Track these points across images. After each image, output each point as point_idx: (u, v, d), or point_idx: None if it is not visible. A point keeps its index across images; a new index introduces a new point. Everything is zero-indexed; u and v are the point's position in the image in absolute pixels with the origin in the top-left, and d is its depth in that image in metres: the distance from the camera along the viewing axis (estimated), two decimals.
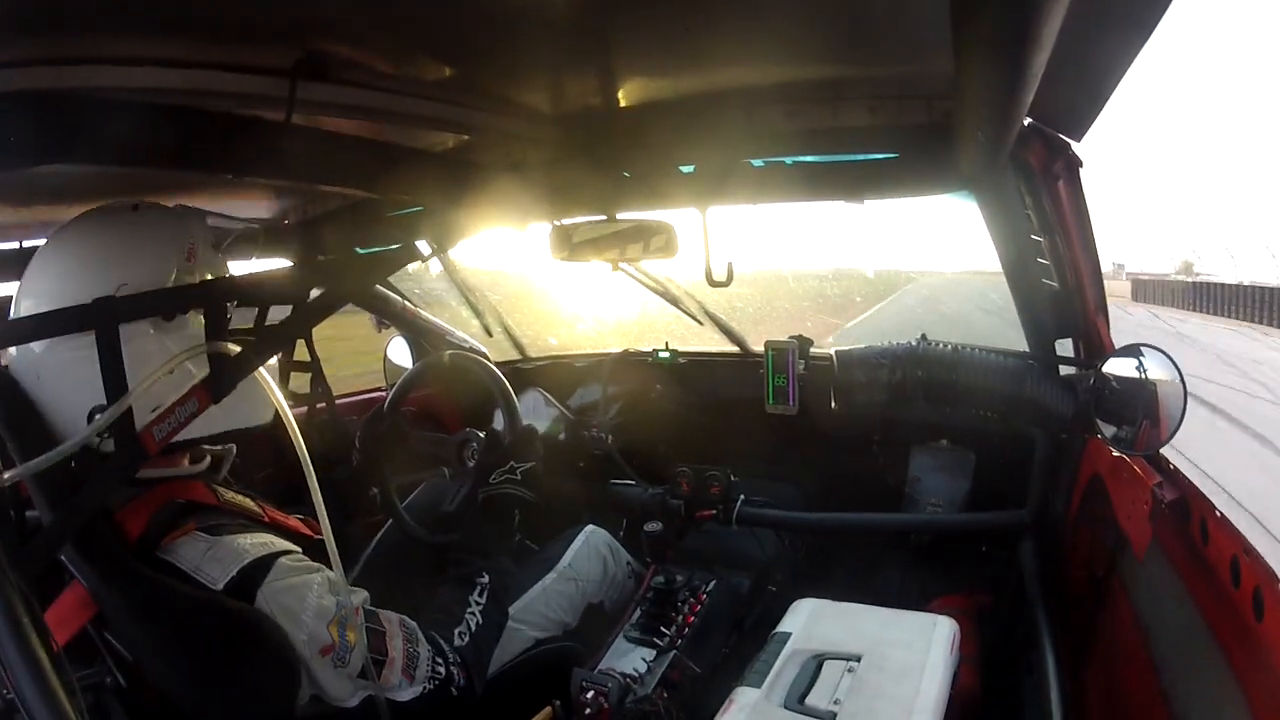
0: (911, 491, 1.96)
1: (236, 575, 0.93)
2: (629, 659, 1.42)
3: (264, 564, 0.96)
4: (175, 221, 1.04)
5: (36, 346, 0.95)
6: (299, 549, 1.03)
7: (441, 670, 1.08)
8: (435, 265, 2.31)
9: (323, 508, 0.99)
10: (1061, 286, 1.29)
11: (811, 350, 1.56)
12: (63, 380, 0.94)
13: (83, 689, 0.91)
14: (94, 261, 0.96)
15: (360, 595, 1.06)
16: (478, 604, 1.20)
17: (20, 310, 0.96)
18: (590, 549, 1.63)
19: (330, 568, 1.01)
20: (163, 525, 0.95)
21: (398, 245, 1.50)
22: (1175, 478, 1.08)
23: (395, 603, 1.12)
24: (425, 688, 1.06)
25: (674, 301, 2.15)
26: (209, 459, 1.10)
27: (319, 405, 1.49)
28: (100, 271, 0.94)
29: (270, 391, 1.01)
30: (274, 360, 1.16)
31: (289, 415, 1.01)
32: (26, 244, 1.44)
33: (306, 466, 0.98)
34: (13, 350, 0.98)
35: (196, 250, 1.02)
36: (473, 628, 1.17)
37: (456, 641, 1.14)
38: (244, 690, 0.95)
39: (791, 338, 1.58)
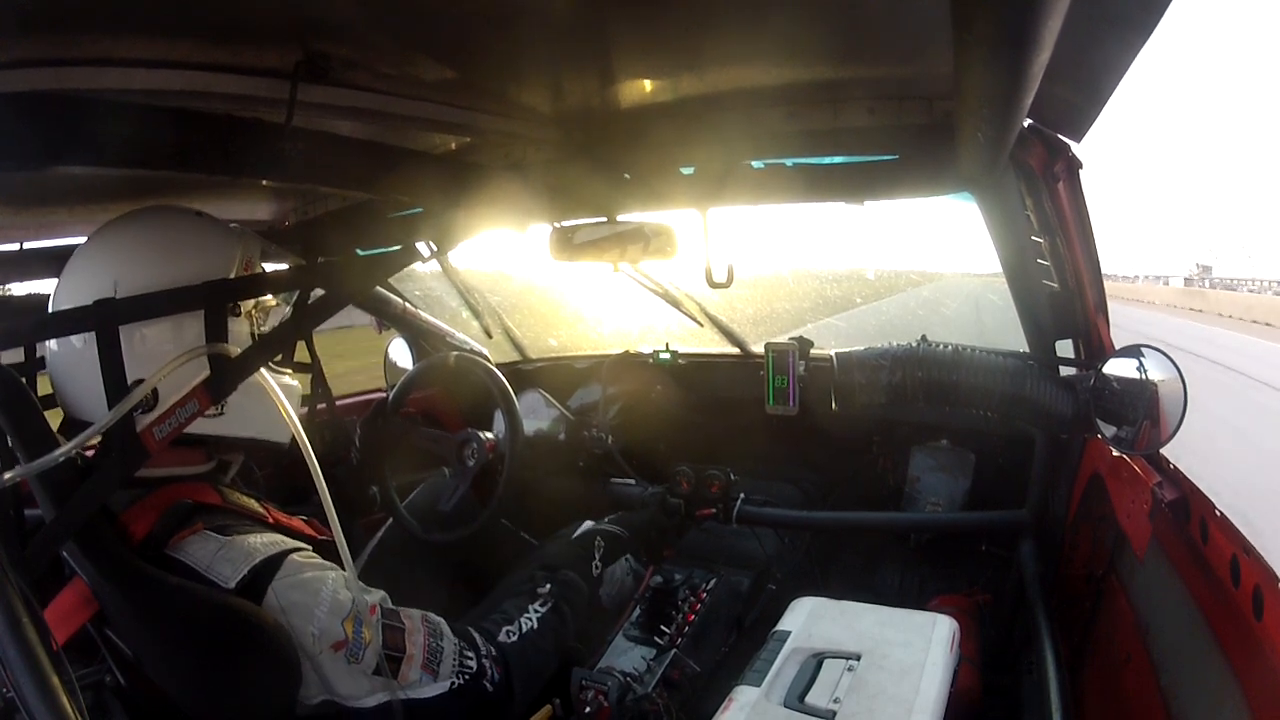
0: (911, 491, 1.96)
1: (248, 574, 0.93)
2: (628, 657, 1.42)
3: (274, 561, 0.96)
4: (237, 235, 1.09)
5: (76, 340, 0.96)
6: (309, 547, 1.03)
7: (471, 664, 1.07)
8: (435, 266, 2.31)
9: (332, 509, 0.99)
10: (1062, 287, 1.29)
11: (811, 351, 1.57)
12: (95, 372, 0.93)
13: (82, 687, 0.91)
14: (163, 253, 1.00)
15: (378, 594, 1.06)
16: (536, 611, 1.22)
17: (80, 296, 0.95)
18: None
19: (341, 567, 1.02)
20: (171, 524, 0.95)
21: (398, 246, 1.50)
22: (1175, 477, 1.08)
23: (399, 601, 1.12)
24: (454, 682, 1.05)
25: (674, 303, 2.15)
26: (216, 461, 1.11)
27: (319, 405, 1.50)
28: (174, 264, 0.98)
29: (275, 398, 1.01)
30: (294, 380, 1.18)
31: (295, 421, 1.01)
32: (27, 245, 1.45)
33: (314, 471, 0.99)
34: (53, 343, 0.99)
35: (254, 263, 1.07)
36: (523, 628, 1.17)
37: (501, 638, 1.14)
38: (243, 689, 0.95)
39: (792, 339, 1.59)
